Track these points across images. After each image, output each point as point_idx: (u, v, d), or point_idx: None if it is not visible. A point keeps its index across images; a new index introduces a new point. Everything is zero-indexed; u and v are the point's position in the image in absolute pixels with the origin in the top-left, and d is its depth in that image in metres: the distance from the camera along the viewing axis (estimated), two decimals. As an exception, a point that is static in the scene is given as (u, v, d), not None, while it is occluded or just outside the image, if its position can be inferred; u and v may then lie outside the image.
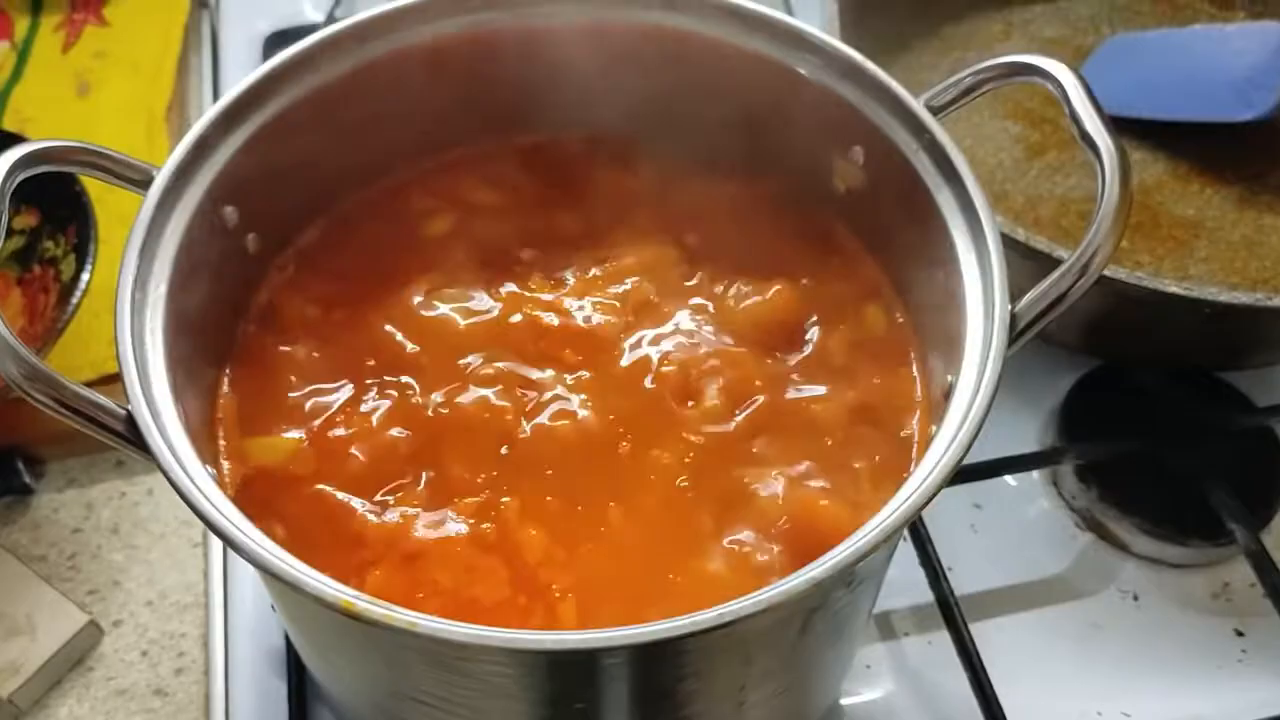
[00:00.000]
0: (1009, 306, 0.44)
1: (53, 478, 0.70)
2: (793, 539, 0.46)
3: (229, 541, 0.38)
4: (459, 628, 0.36)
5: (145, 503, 0.69)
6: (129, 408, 0.41)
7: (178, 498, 0.39)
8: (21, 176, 0.43)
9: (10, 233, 0.71)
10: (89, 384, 0.68)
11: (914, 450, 0.49)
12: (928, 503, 0.39)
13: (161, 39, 0.91)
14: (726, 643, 0.41)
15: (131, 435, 0.41)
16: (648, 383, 0.51)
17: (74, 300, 0.65)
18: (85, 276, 0.67)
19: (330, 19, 0.92)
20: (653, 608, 0.43)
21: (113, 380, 0.42)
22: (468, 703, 0.43)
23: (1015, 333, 0.43)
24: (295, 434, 0.50)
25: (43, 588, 0.64)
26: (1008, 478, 0.70)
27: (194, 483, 0.39)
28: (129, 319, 0.43)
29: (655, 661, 0.40)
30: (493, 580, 0.45)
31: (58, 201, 0.70)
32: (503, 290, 0.55)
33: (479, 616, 0.43)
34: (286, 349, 0.53)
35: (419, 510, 0.47)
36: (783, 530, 0.46)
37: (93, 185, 0.70)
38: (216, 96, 0.90)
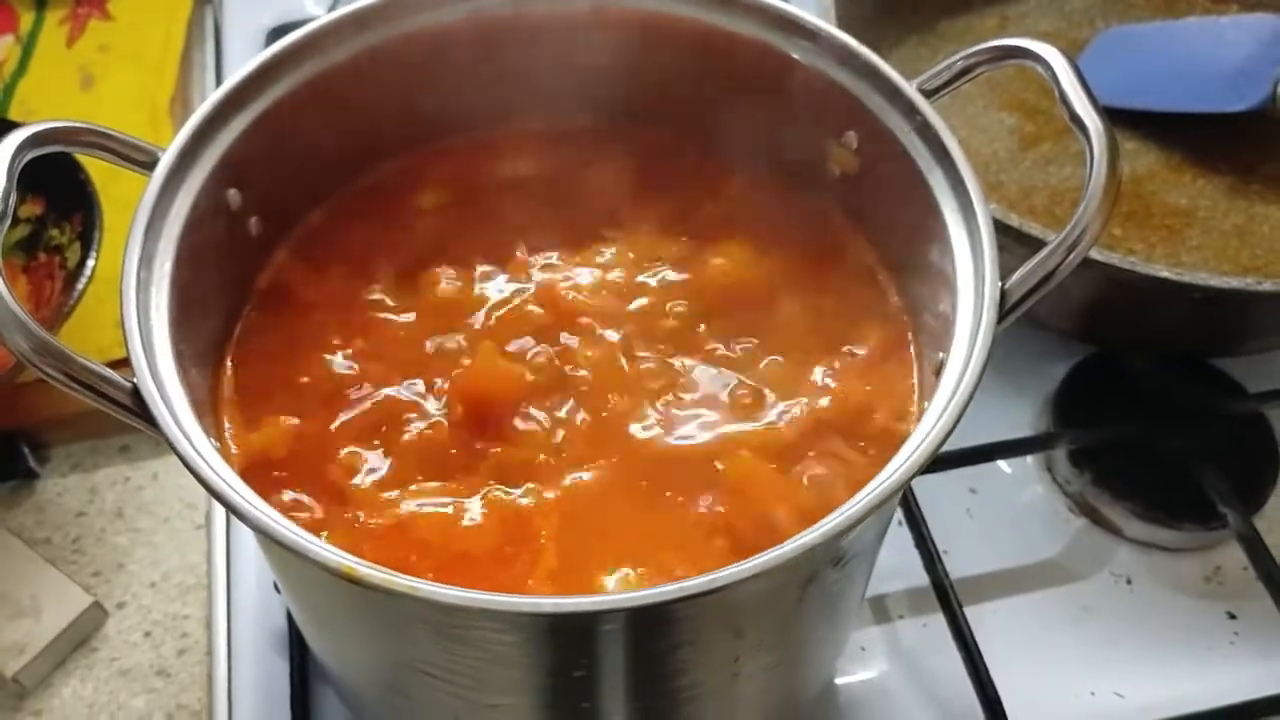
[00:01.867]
0: (999, 284, 0.44)
1: (57, 462, 0.71)
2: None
3: (233, 509, 0.39)
4: (456, 592, 0.36)
5: (149, 486, 0.70)
6: (135, 381, 0.42)
7: (181, 481, 0.40)
8: (28, 156, 0.44)
9: (16, 220, 0.71)
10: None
11: (907, 427, 0.49)
12: (916, 473, 0.39)
13: (165, 33, 0.92)
14: (721, 610, 0.42)
15: (137, 408, 0.41)
16: (643, 364, 0.52)
17: (79, 287, 0.66)
18: (90, 263, 0.67)
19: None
20: (640, 562, 0.44)
21: (118, 366, 0.42)
22: (469, 672, 0.44)
23: (1005, 310, 0.44)
24: (297, 415, 0.50)
25: (47, 570, 0.65)
26: (1002, 463, 0.71)
27: (198, 452, 0.40)
28: (134, 295, 0.44)
29: (650, 628, 0.41)
30: (484, 538, 0.46)
31: (63, 190, 0.71)
32: (502, 274, 0.56)
33: (468, 568, 0.45)
34: (289, 330, 0.53)
35: (420, 485, 0.48)
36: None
37: (97, 174, 0.71)
38: (219, 89, 0.91)
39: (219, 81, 0.91)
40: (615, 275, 0.56)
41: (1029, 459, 0.71)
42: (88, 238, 0.69)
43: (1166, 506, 0.67)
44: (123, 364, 0.43)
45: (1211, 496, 0.67)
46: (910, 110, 0.49)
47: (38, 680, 0.63)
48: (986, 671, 0.60)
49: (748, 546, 0.42)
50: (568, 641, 0.41)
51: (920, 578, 0.65)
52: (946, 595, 0.63)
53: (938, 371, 0.45)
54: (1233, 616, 0.66)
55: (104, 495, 0.70)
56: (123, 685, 0.63)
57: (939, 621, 0.63)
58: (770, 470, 0.48)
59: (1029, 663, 0.63)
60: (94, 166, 0.70)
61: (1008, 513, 0.70)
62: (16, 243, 0.72)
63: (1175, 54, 0.81)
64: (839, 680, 0.62)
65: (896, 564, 0.65)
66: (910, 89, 0.50)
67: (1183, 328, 0.69)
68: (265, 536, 0.38)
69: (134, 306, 0.44)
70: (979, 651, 0.61)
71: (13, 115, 0.85)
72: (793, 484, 0.47)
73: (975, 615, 0.63)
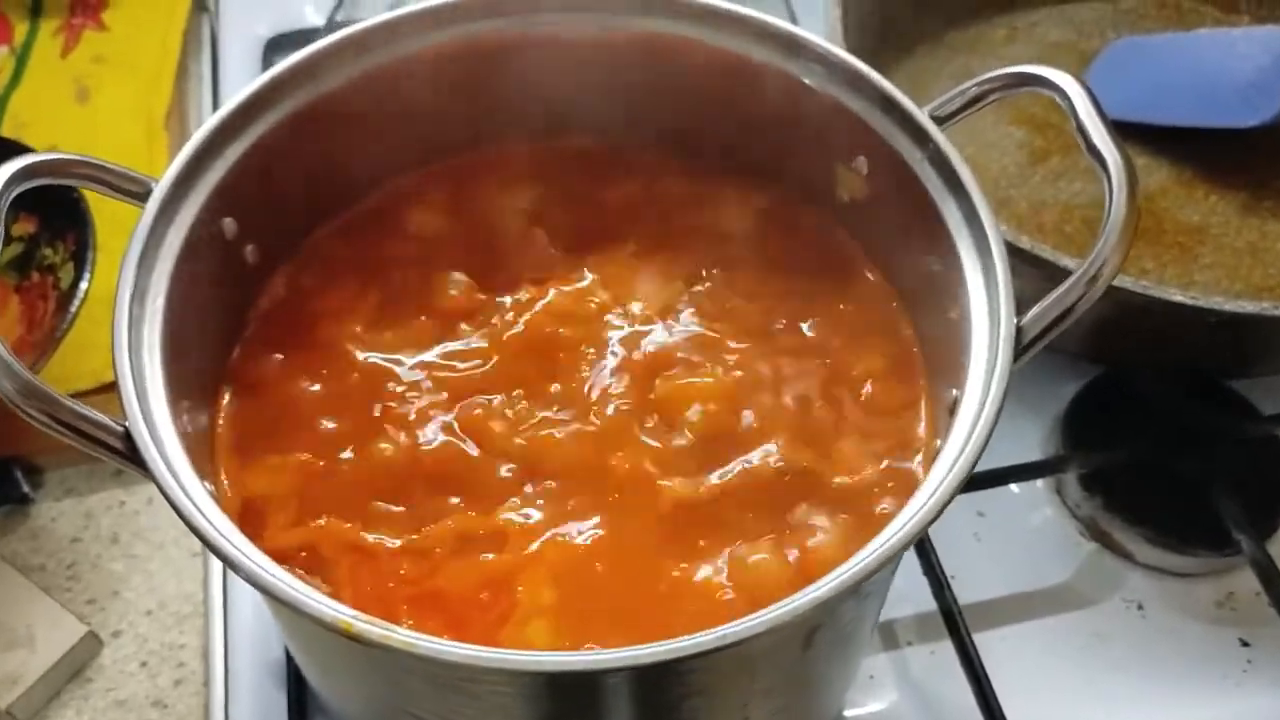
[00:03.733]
0: (1015, 320, 0.43)
1: (51, 487, 0.70)
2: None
3: (227, 561, 0.38)
4: (458, 648, 0.36)
5: (144, 512, 0.69)
6: (126, 424, 0.41)
7: (177, 508, 0.39)
8: (19, 189, 0.43)
9: (9, 239, 0.70)
10: (88, 392, 0.69)
11: (919, 466, 0.48)
12: (933, 520, 0.38)
13: (160, 43, 0.91)
14: (730, 661, 0.41)
15: (129, 452, 0.40)
16: (642, 398, 0.51)
17: (72, 308, 0.65)
18: (84, 285, 0.66)
19: (331, 23, 0.91)
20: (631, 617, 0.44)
21: (112, 388, 0.41)
22: (469, 721, 0.43)
23: (1021, 347, 0.43)
24: (295, 452, 0.49)
25: (42, 598, 0.64)
26: (1011, 486, 0.69)
27: (192, 501, 0.39)
28: (126, 333, 0.43)
29: (657, 680, 0.40)
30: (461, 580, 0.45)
31: (56, 209, 0.70)
32: (502, 301, 0.55)
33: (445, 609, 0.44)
34: (286, 362, 0.52)
35: (415, 526, 0.47)
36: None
37: (91, 192, 0.69)
38: (216, 101, 0.90)
39: (216, 92, 0.90)
40: (617, 300, 0.55)
41: (1038, 482, 0.70)
42: (81, 258, 0.68)
43: (1179, 531, 0.66)
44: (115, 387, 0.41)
45: (1225, 521, 0.65)
46: (922, 138, 0.48)
47: (32, 713, 0.62)
48: (996, 700, 0.59)
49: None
50: (570, 694, 0.40)
51: (928, 603, 0.64)
52: (955, 622, 0.62)
53: (952, 409, 0.44)
54: (1246, 644, 0.65)
55: (99, 521, 0.68)
56: (119, 717, 0.62)
57: (947, 648, 0.62)
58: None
59: (1039, 690, 0.62)
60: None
61: (1017, 537, 0.69)
62: (9, 262, 0.71)
63: (1186, 66, 0.80)
64: (848, 713, 0.61)
65: (904, 590, 0.64)
66: (922, 116, 0.49)
67: (1196, 349, 0.68)
68: (261, 590, 0.37)
69: (126, 345, 0.43)
70: (988, 679, 0.60)
71: (6, 129, 0.84)
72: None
73: (984, 642, 0.62)
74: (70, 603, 0.65)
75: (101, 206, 0.70)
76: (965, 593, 0.64)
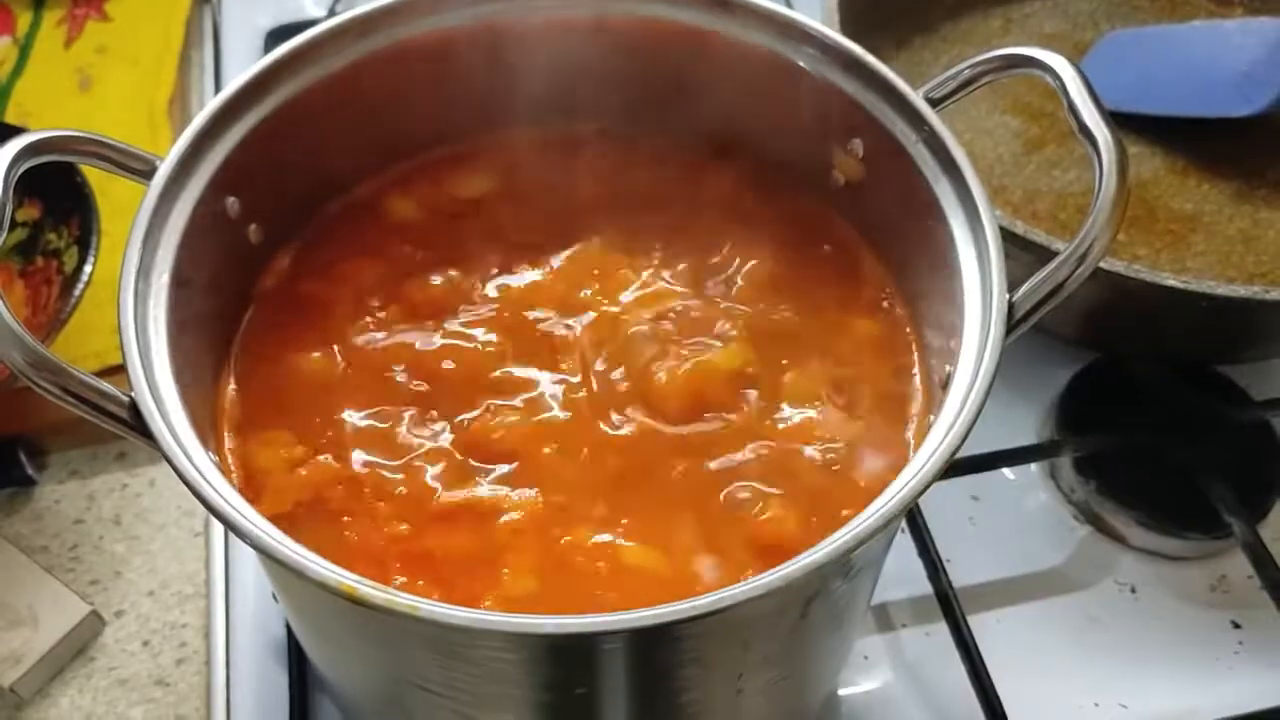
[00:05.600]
0: (1006, 296, 0.44)
1: (55, 469, 0.70)
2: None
3: (231, 526, 0.38)
4: (458, 612, 0.36)
5: (147, 494, 0.69)
6: (132, 394, 0.41)
7: (179, 488, 0.40)
8: (25, 166, 0.43)
9: (13, 225, 0.70)
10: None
11: (912, 441, 0.49)
12: (925, 489, 0.39)
13: (163, 34, 0.92)
14: (725, 628, 0.41)
15: (135, 422, 0.41)
16: (638, 377, 0.51)
17: (77, 292, 0.66)
18: (88, 268, 0.67)
19: (331, 14, 0.92)
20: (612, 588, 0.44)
21: (116, 371, 0.42)
22: (470, 688, 0.43)
23: (1013, 322, 0.43)
24: (295, 425, 0.50)
25: (45, 578, 0.64)
26: (1006, 470, 0.70)
27: (196, 468, 0.40)
28: (132, 308, 0.43)
29: (654, 646, 0.41)
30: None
31: (60, 193, 0.70)
32: (502, 284, 0.55)
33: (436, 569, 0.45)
34: (289, 340, 0.53)
35: (409, 498, 0.48)
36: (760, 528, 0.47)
37: (94, 177, 0.70)
38: (218, 91, 0.90)
39: (218, 82, 0.91)
40: (615, 282, 0.55)
41: (1033, 467, 0.71)
42: (85, 242, 0.69)
43: (1171, 515, 0.67)
44: (120, 370, 0.42)
45: (1217, 505, 0.66)
46: (917, 120, 0.49)
47: (35, 690, 0.62)
48: (990, 682, 0.60)
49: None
50: (569, 660, 0.41)
51: (923, 586, 0.64)
52: (950, 604, 0.63)
53: (944, 385, 0.44)
54: (1237, 626, 0.66)
55: (101, 503, 0.69)
56: (121, 695, 0.62)
57: (942, 630, 0.63)
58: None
59: (1033, 673, 0.63)
60: (92, 169, 0.69)
61: (1011, 521, 0.69)
62: (13, 247, 0.72)
63: (1180, 57, 0.81)
64: (842, 691, 0.62)
65: (899, 572, 0.64)
66: (917, 98, 0.49)
67: (1188, 335, 0.69)
68: (265, 555, 0.38)
69: (132, 319, 0.43)
70: (982, 661, 0.60)
71: (9, 118, 0.85)
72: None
73: (979, 624, 0.62)
74: (73, 583, 0.65)
75: (104, 192, 0.71)
76: (960, 576, 0.64)
